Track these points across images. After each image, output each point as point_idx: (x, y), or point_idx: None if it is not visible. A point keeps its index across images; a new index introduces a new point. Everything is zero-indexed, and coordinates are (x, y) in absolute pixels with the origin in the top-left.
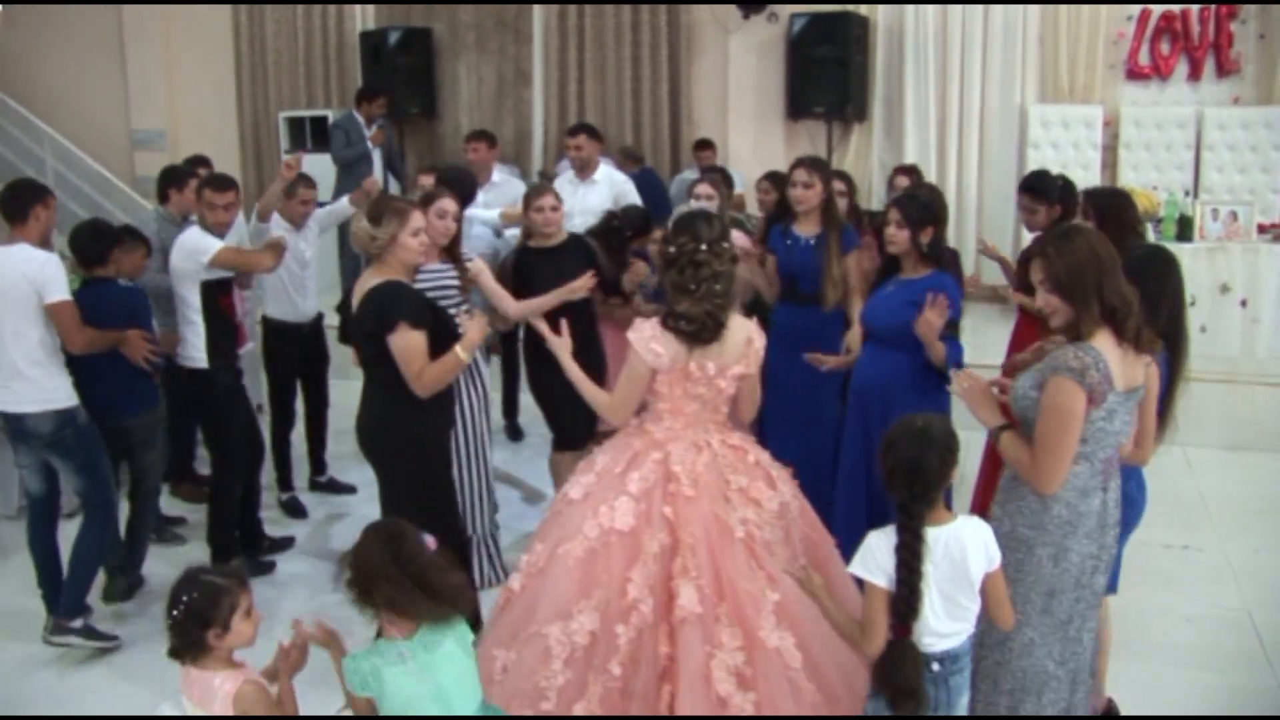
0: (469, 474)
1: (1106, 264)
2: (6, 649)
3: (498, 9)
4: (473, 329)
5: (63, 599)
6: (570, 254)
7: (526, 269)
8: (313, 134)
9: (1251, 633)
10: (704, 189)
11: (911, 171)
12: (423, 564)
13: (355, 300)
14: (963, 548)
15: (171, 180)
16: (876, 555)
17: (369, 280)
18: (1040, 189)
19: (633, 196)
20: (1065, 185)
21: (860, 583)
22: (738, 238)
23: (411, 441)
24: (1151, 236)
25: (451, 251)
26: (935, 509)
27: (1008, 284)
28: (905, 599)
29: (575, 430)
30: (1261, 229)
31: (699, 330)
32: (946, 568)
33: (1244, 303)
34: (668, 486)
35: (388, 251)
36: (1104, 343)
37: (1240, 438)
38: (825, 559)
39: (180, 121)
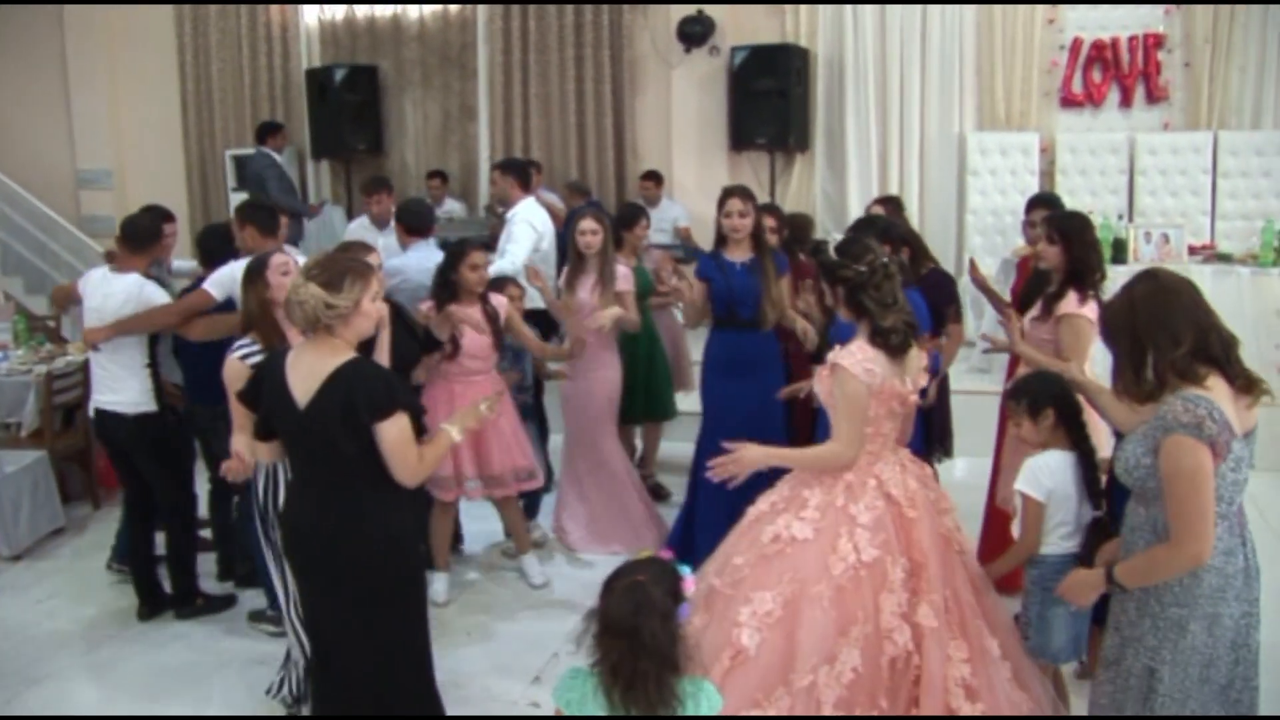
0: None
1: (1139, 311)
2: None
3: (442, 46)
4: (465, 413)
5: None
6: None
7: None
8: None
9: None
10: (588, 224)
11: (885, 202)
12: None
13: (303, 384)
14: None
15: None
16: (1038, 475)
17: (325, 359)
18: (1050, 202)
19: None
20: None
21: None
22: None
23: (403, 541)
24: None
25: None
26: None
27: (1000, 321)
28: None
29: None
30: (1192, 250)
31: (903, 340)
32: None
33: None
34: (898, 512)
35: (341, 322)
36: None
37: None
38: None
39: (126, 160)
